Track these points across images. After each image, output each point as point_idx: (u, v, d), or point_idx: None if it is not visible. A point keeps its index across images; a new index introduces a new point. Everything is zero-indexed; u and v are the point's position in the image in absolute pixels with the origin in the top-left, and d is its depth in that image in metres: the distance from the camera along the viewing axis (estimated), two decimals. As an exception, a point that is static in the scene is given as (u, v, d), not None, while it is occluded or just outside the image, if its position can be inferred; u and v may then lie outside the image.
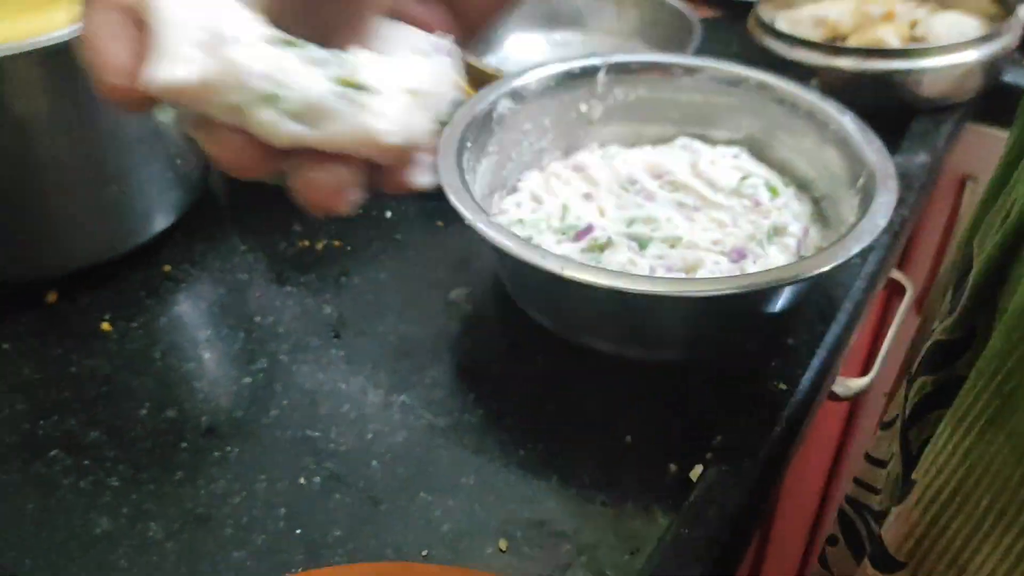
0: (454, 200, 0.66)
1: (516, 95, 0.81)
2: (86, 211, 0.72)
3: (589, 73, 0.85)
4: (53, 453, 0.62)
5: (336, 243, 0.81)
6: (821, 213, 0.78)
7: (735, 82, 0.83)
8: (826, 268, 0.61)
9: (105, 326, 0.72)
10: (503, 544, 0.57)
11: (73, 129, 0.69)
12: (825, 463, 1.21)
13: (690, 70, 0.84)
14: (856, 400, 0.91)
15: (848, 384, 0.83)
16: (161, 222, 0.77)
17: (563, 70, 0.84)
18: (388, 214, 0.85)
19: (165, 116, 0.38)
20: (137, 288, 0.75)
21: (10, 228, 0.71)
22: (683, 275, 0.70)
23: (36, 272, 0.74)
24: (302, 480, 0.61)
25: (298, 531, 0.58)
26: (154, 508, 0.59)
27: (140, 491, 0.60)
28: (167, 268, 0.77)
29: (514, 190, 0.81)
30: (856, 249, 0.62)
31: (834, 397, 0.81)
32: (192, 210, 0.80)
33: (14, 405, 0.65)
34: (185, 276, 0.77)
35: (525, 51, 1.13)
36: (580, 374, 0.69)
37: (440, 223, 0.83)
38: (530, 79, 0.83)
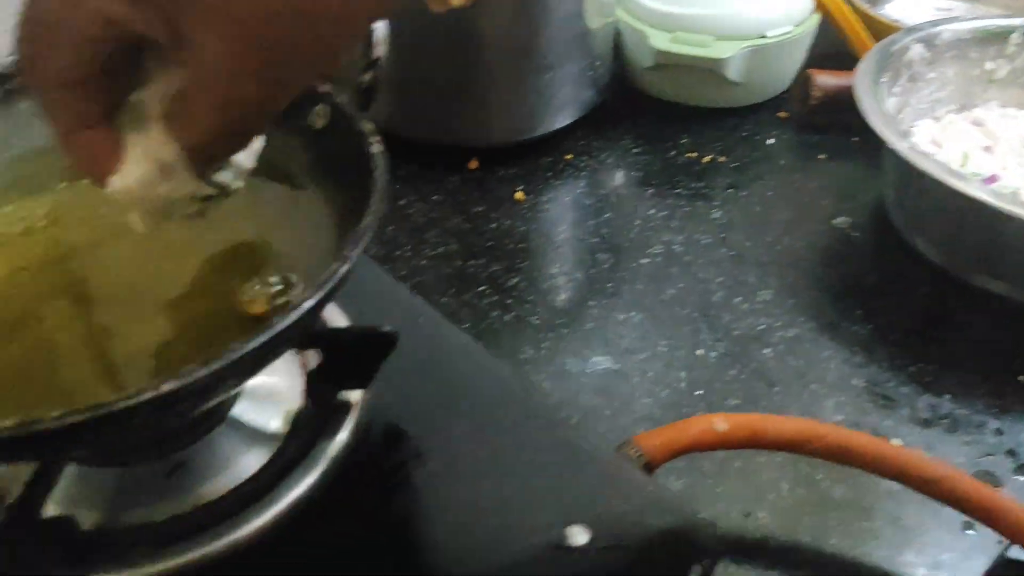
0: (877, 124, 0.69)
1: (929, 43, 0.82)
2: (516, 94, 0.81)
3: (1003, 33, 0.84)
4: (482, 288, 0.71)
5: (722, 159, 0.85)
6: None
7: None
8: None
9: (519, 195, 0.80)
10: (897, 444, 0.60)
11: (520, 16, 0.77)
12: None
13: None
14: None
15: None
16: (569, 116, 0.85)
17: (978, 26, 0.84)
18: (770, 141, 0.88)
19: None
20: (544, 170, 0.84)
21: (451, 100, 0.81)
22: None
23: (463, 142, 0.84)
24: (699, 352, 0.66)
25: (697, 392, 0.63)
26: (569, 347, 0.66)
27: (556, 332, 0.68)
28: (568, 156, 0.85)
29: (907, 135, 0.82)
30: None
31: None
32: (594, 111, 0.87)
33: (448, 245, 0.75)
34: (585, 166, 0.85)
35: (911, 10, 1.12)
36: (966, 310, 0.70)
37: (822, 156, 0.86)
38: (944, 29, 0.83)
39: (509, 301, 0.70)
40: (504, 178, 0.82)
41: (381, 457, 0.51)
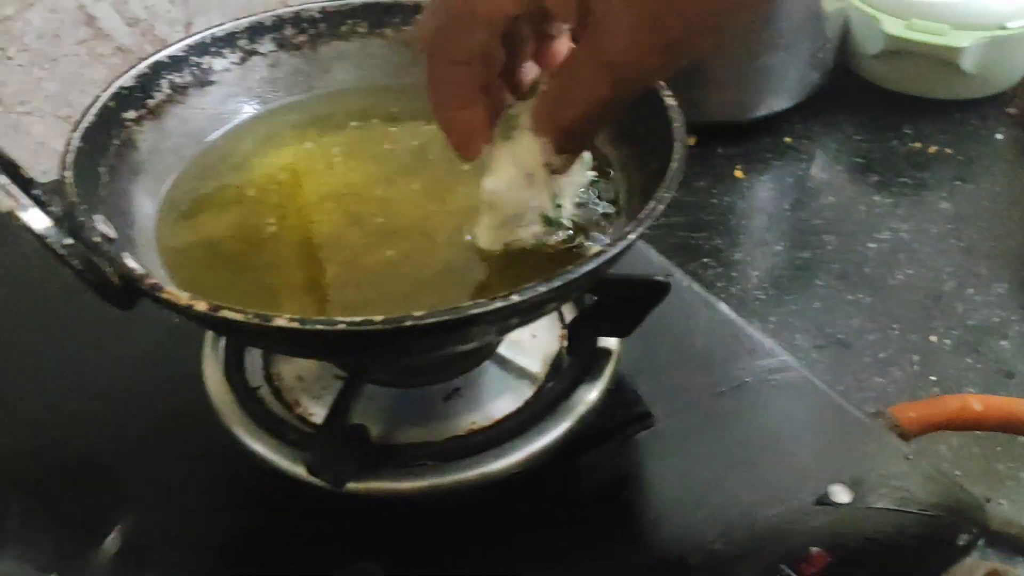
0: None
1: None
2: (743, 73, 0.81)
3: None
4: (706, 260, 0.72)
5: (948, 151, 0.83)
6: None
7: None
8: None
9: (738, 173, 0.81)
10: None
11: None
12: None
13: None
14: None
15: None
16: (791, 98, 0.84)
17: None
18: (998, 136, 0.85)
19: None
20: (763, 150, 0.84)
21: (675, 74, 0.82)
22: None
23: (686, 118, 0.84)
24: (933, 338, 0.65)
25: (932, 377, 0.62)
26: (798, 324, 0.66)
27: (784, 307, 0.68)
28: (788, 139, 0.85)
29: None
30: None
31: None
32: (814, 95, 0.87)
33: (671, 217, 0.76)
34: (805, 149, 0.84)
35: None
36: None
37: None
38: None
39: (734, 274, 0.71)
40: (724, 156, 0.83)
41: (624, 410, 0.52)
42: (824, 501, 0.46)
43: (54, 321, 0.57)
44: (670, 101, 0.47)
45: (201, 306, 0.35)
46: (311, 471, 0.40)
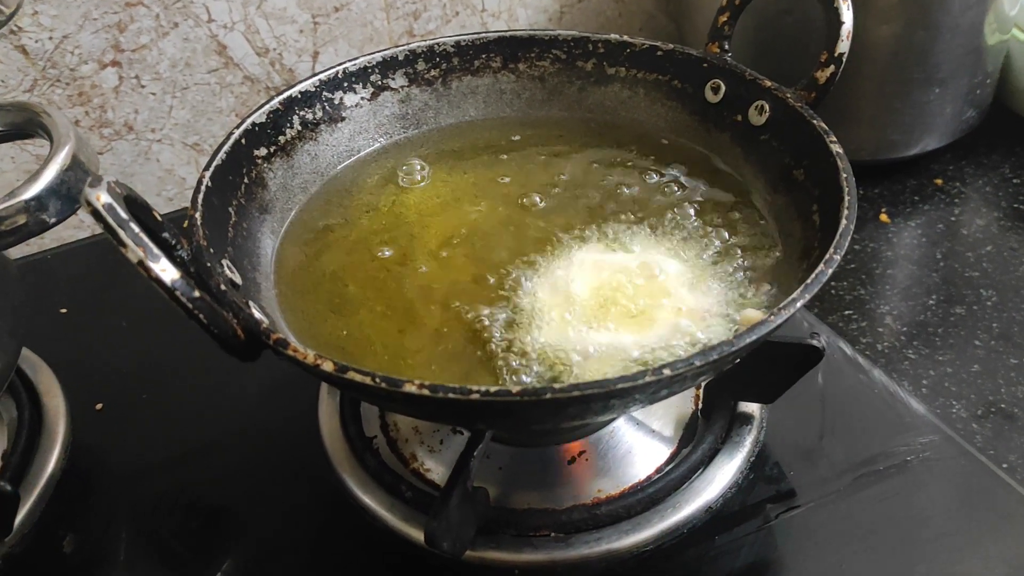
0: None
1: None
2: (895, 108, 0.75)
3: None
4: (848, 312, 0.66)
5: None
6: None
7: None
8: None
9: (883, 217, 0.75)
10: None
11: (917, 23, 0.71)
12: None
13: None
14: None
15: None
16: (944, 137, 0.78)
17: None
18: None
19: None
20: (910, 192, 0.77)
21: (821, 109, 0.76)
22: None
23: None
24: (1114, 413, 0.58)
25: (1113, 459, 0.55)
26: (955, 389, 0.60)
27: (939, 369, 0.62)
28: (938, 181, 0.78)
29: None
30: None
31: None
32: (968, 134, 0.80)
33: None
34: (957, 192, 0.77)
35: None
36: None
37: None
38: None
39: (880, 329, 0.65)
40: (866, 198, 0.77)
41: (766, 485, 0.48)
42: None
43: (173, 361, 0.57)
44: (836, 148, 0.42)
45: (327, 366, 0.32)
46: (429, 542, 0.37)
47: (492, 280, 0.44)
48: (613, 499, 0.44)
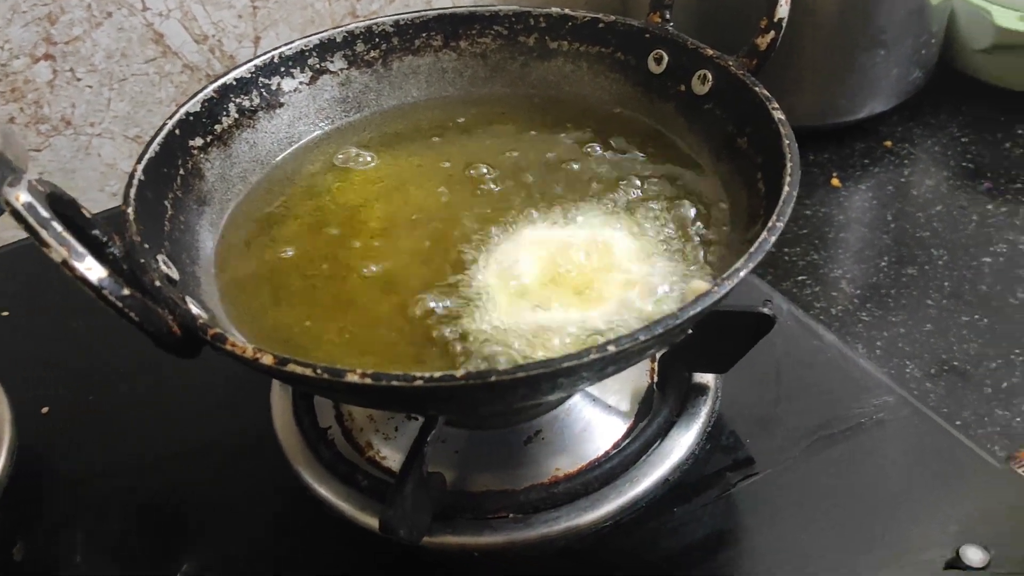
0: None
1: None
2: (840, 72, 0.75)
3: None
4: (801, 278, 0.67)
5: (1069, 151, 0.76)
6: None
7: None
8: None
9: (835, 181, 0.75)
10: None
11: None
12: None
13: None
14: None
15: None
16: (891, 99, 0.78)
17: None
18: (1125, 136, 0.78)
19: None
20: (860, 156, 0.78)
21: (764, 75, 0.76)
22: None
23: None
24: (1065, 365, 0.59)
25: (1065, 411, 0.56)
26: (908, 349, 0.61)
27: (891, 330, 0.62)
28: (887, 143, 0.79)
29: None
30: None
31: None
32: (914, 95, 0.80)
33: (761, 230, 0.71)
34: (906, 154, 0.78)
35: None
36: None
37: None
38: None
39: (834, 293, 0.65)
40: (816, 163, 0.77)
41: (723, 455, 0.48)
42: (955, 565, 0.41)
43: (120, 362, 0.55)
44: (778, 114, 0.42)
45: (267, 360, 0.32)
46: (384, 529, 0.37)
47: (439, 263, 0.43)
48: (571, 477, 0.44)
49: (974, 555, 0.41)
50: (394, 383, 0.31)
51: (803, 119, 0.78)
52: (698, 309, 0.33)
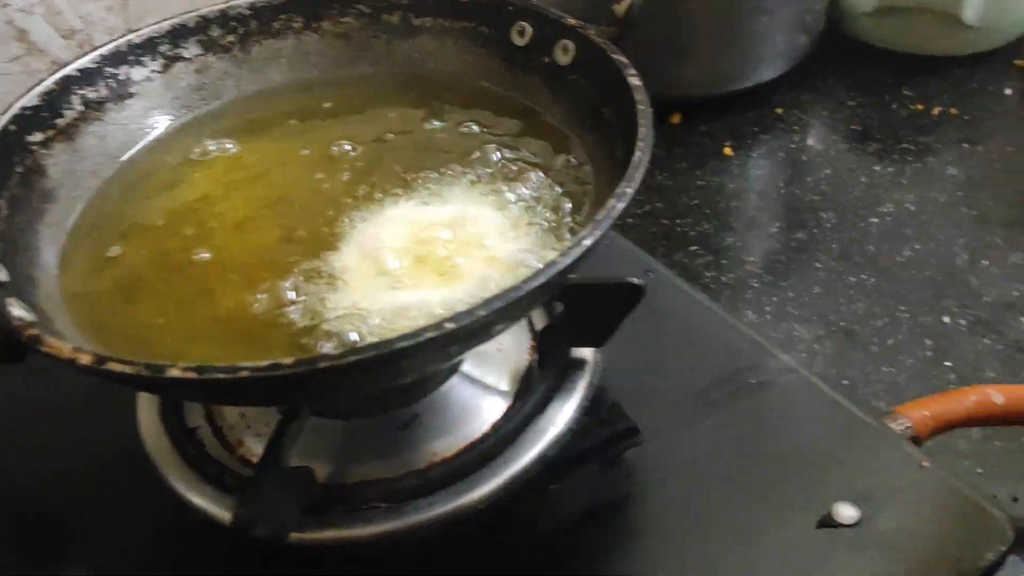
0: None
1: None
2: (726, 41, 0.75)
3: None
4: (693, 248, 0.67)
5: (953, 111, 0.77)
6: None
7: None
8: None
9: (727, 151, 0.75)
10: None
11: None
12: None
13: None
14: None
15: None
16: (780, 66, 0.79)
17: None
18: (1007, 91, 0.79)
19: None
20: (751, 124, 0.78)
21: (653, 49, 0.76)
22: None
23: (664, 94, 0.79)
24: (946, 319, 0.60)
25: (947, 363, 0.57)
26: (797, 312, 0.61)
27: (781, 295, 0.62)
28: (778, 110, 0.79)
29: None
30: None
31: None
32: (803, 61, 0.81)
33: (654, 203, 0.71)
34: (796, 120, 0.78)
35: None
36: None
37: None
38: None
39: (725, 262, 0.65)
40: (707, 133, 0.77)
41: (606, 427, 0.47)
42: (827, 523, 0.41)
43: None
44: (634, 80, 0.41)
45: (85, 359, 0.30)
46: (239, 525, 0.35)
47: (299, 250, 0.42)
48: (447, 461, 0.43)
49: (846, 512, 0.41)
50: (218, 376, 0.29)
51: (694, 89, 0.78)
52: (541, 281, 0.32)
